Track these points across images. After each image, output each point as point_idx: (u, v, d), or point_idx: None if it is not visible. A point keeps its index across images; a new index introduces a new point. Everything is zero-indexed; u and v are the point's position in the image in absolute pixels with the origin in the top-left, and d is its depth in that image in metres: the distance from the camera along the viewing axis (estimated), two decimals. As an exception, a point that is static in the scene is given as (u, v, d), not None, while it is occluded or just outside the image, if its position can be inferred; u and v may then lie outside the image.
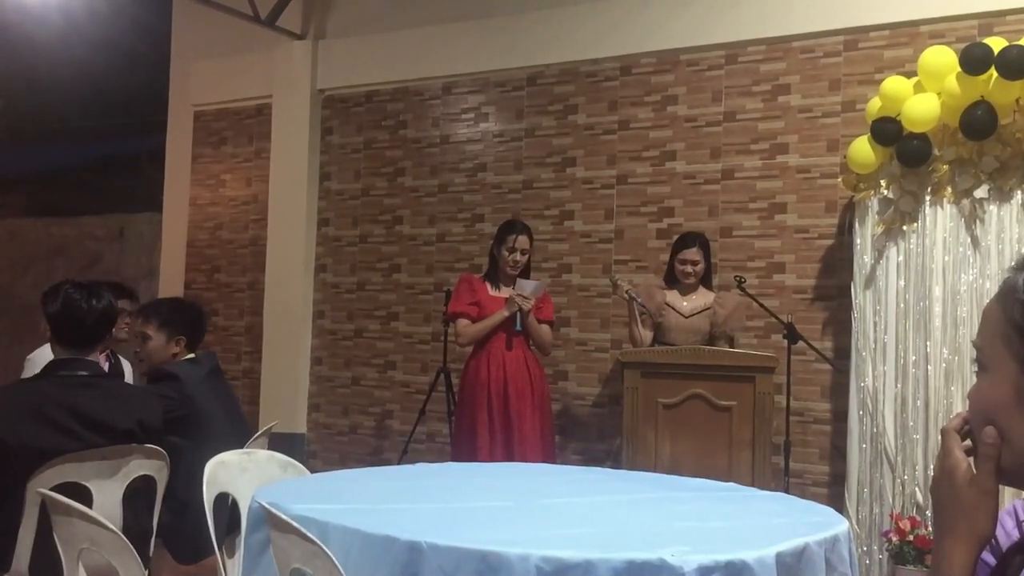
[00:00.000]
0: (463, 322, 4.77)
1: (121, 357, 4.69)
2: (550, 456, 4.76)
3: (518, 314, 4.67)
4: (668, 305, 4.74)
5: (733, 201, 5.29)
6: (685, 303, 4.75)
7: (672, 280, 4.83)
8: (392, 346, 6.31)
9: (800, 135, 5.14)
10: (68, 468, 2.64)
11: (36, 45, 8.20)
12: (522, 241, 4.79)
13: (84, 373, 2.86)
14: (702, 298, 4.75)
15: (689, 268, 4.73)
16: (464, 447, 4.71)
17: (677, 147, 5.46)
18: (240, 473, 2.82)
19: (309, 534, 1.92)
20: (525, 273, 4.86)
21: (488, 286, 4.83)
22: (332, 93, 6.62)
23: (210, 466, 2.71)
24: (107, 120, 10.23)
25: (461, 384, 4.88)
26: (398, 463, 5.35)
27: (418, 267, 6.24)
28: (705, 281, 4.82)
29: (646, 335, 4.71)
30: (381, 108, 6.45)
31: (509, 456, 4.54)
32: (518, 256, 4.78)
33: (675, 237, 4.99)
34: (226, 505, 2.90)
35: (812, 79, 5.13)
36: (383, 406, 6.32)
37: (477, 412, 4.66)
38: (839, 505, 4.33)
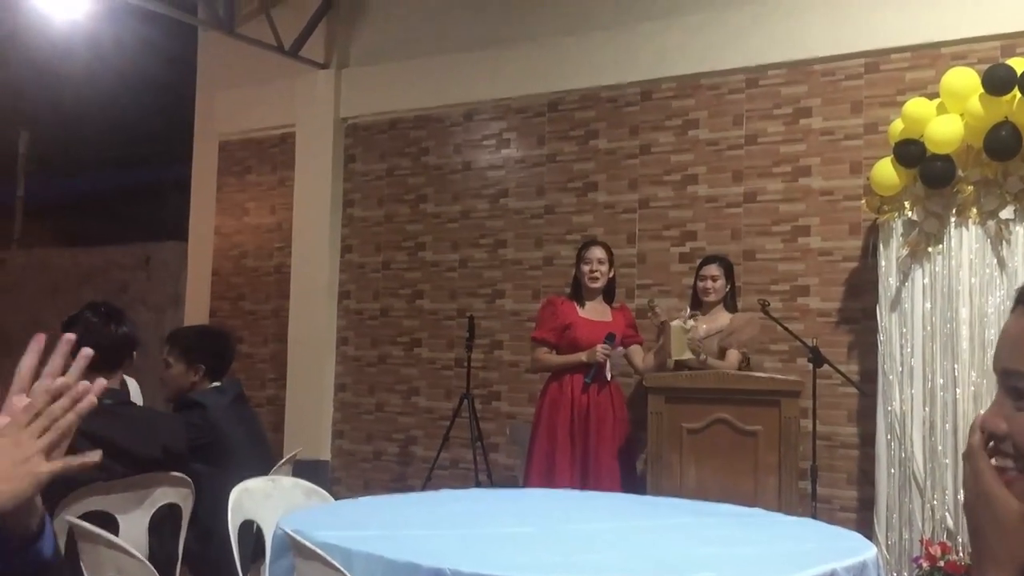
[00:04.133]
0: (543, 350, 4.79)
1: (127, 378, 4.63)
2: (629, 484, 4.69)
3: (593, 368, 4.62)
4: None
5: (756, 224, 5.27)
6: (704, 325, 4.72)
7: (696, 304, 4.82)
8: (416, 372, 6.32)
9: (822, 158, 5.13)
10: (95, 497, 2.65)
11: (63, 76, 8.34)
12: (594, 251, 4.82)
13: (108, 401, 2.87)
14: (720, 320, 4.73)
15: (709, 284, 4.72)
16: (538, 468, 4.67)
17: (699, 171, 5.45)
18: (265, 500, 2.83)
19: (333, 561, 1.92)
20: (610, 290, 4.89)
21: (576, 307, 4.82)
22: (355, 121, 6.68)
23: (235, 493, 2.72)
24: (133, 150, 10.38)
25: (540, 404, 4.83)
26: (422, 489, 5.34)
27: (441, 293, 6.26)
28: (728, 304, 4.80)
29: (648, 365, 4.71)
30: (403, 135, 6.50)
31: (584, 484, 4.49)
32: (594, 266, 4.78)
33: (698, 261, 4.98)
34: (251, 532, 2.91)
35: (834, 102, 5.12)
36: (407, 432, 6.31)
37: (558, 436, 4.63)
38: (868, 531, 4.27)
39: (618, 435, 4.75)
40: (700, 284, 4.77)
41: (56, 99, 9.44)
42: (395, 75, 6.44)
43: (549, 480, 4.51)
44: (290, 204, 6.82)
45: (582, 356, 4.64)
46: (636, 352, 4.84)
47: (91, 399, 1.11)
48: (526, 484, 4.69)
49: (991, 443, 1.01)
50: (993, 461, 1.00)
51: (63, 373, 1.12)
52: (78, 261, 9.00)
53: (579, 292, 4.86)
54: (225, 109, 7.23)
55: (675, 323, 4.54)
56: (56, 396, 1.10)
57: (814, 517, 4.09)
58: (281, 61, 6.54)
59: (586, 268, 4.79)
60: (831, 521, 3.86)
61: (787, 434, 4.17)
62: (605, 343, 4.62)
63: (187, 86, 7.56)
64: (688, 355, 4.53)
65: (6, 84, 9.76)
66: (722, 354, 4.64)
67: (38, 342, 1.13)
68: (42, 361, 1.14)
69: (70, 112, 9.70)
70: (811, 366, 4.55)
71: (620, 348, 4.72)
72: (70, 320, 2.93)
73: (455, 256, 6.22)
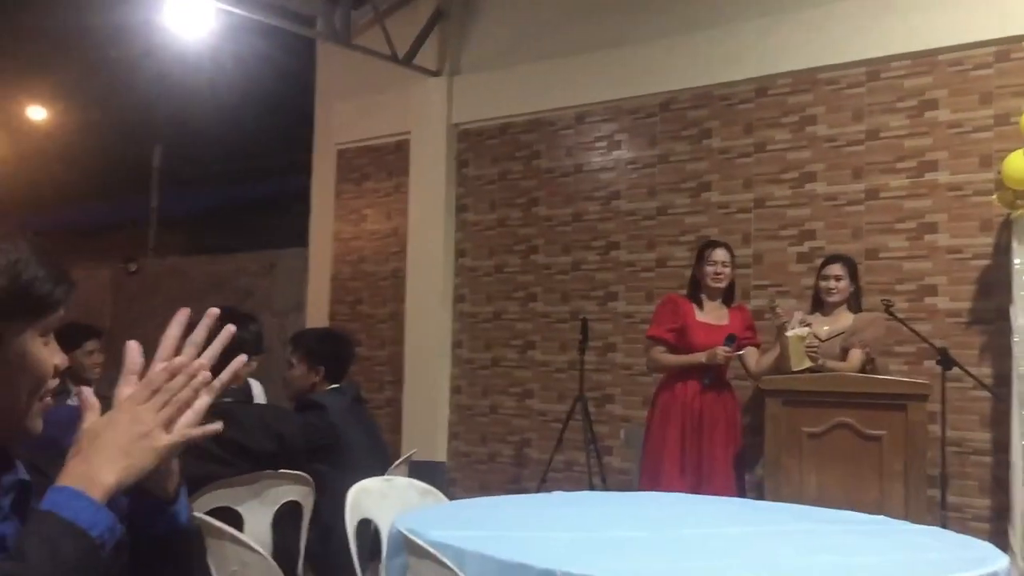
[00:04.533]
0: (659, 349, 4.74)
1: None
2: (733, 492, 4.63)
3: (712, 370, 4.59)
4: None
5: (878, 222, 5.09)
6: (826, 327, 4.58)
7: (818, 305, 4.69)
8: (529, 375, 6.34)
9: (951, 151, 4.91)
10: (221, 493, 2.76)
11: (191, 92, 8.72)
12: (720, 254, 4.74)
13: (227, 400, 2.98)
14: (843, 320, 4.58)
15: (832, 284, 4.58)
16: (651, 472, 4.64)
17: (817, 168, 5.30)
18: (381, 499, 2.88)
19: (446, 560, 1.94)
20: (729, 291, 4.82)
21: (695, 309, 4.76)
22: (467, 127, 6.76)
23: (352, 493, 2.78)
24: (257, 162, 10.78)
25: (653, 407, 4.80)
26: (537, 491, 5.35)
27: (553, 296, 6.27)
28: (852, 305, 4.64)
29: (762, 368, 4.61)
30: (515, 139, 6.54)
31: (697, 488, 4.44)
32: (719, 268, 4.72)
33: (817, 261, 4.84)
34: (368, 531, 2.97)
35: (961, 93, 4.89)
36: (521, 434, 6.35)
37: (668, 438, 4.60)
38: (1002, 542, 4.06)
39: (732, 440, 4.67)
40: (823, 284, 4.63)
41: (185, 114, 9.89)
42: (506, 80, 6.49)
43: (660, 484, 4.45)
44: (405, 210, 6.95)
45: (701, 357, 4.57)
46: (751, 354, 4.73)
47: (206, 374, 1.17)
48: (640, 488, 4.65)
49: None
50: None
51: (205, 347, 1.19)
52: (207, 268, 9.39)
53: (697, 293, 4.79)
54: (342, 119, 7.43)
55: (791, 333, 4.40)
56: (174, 373, 1.16)
57: (943, 526, 3.91)
58: (395, 70, 6.68)
59: (710, 269, 4.72)
60: (962, 531, 3.68)
61: (914, 439, 4.00)
62: (725, 345, 4.54)
63: (306, 98, 7.81)
64: (807, 363, 4.40)
65: (141, 101, 10.28)
66: (844, 355, 4.50)
67: (183, 315, 1.20)
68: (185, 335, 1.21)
69: (198, 127, 10.15)
70: (939, 369, 4.36)
71: (739, 351, 4.63)
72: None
73: (567, 259, 6.22)
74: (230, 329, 1.22)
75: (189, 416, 1.16)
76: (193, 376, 1.17)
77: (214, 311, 1.22)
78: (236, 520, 2.75)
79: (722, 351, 4.53)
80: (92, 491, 1.07)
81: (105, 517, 1.08)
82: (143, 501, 1.21)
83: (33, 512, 1.07)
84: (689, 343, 4.65)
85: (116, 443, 1.11)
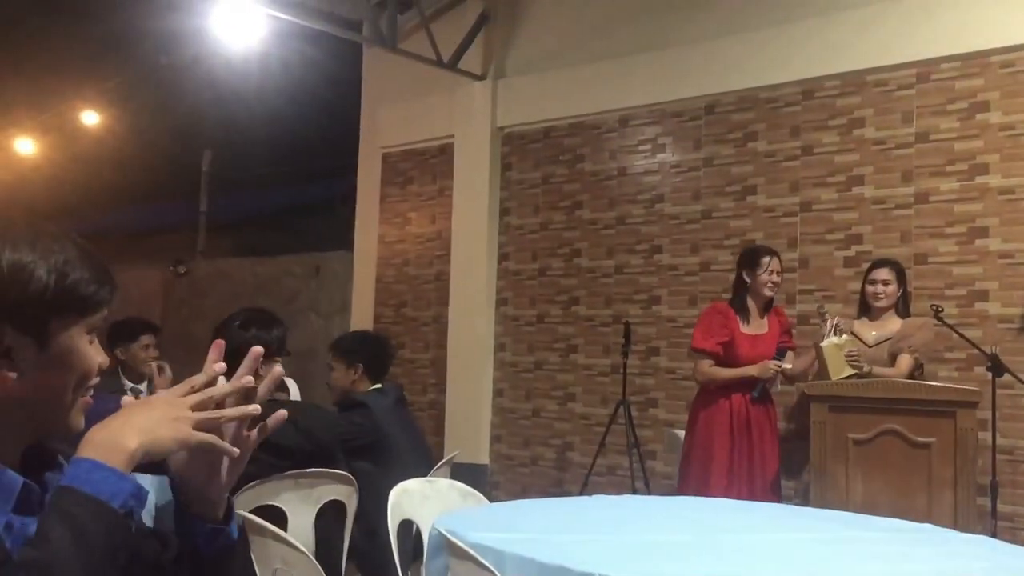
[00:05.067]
0: (707, 362, 4.59)
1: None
2: (778, 500, 4.58)
3: (761, 383, 4.52)
4: (854, 334, 4.52)
5: (928, 226, 5.01)
6: (873, 332, 4.52)
7: (865, 310, 4.62)
8: (572, 378, 6.34)
9: (1002, 154, 4.82)
10: (265, 490, 2.79)
11: (239, 98, 8.85)
12: (776, 262, 4.62)
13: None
14: (891, 326, 4.50)
15: (880, 288, 4.50)
16: (693, 482, 4.56)
17: (865, 171, 5.23)
18: (423, 501, 2.90)
19: (485, 562, 1.95)
20: (769, 299, 4.71)
21: (739, 321, 4.62)
22: (511, 130, 6.78)
23: (394, 494, 2.81)
24: (303, 166, 10.91)
25: (696, 413, 4.70)
26: (579, 495, 5.34)
27: (597, 299, 6.26)
28: (900, 310, 4.57)
29: (795, 371, 4.59)
30: (558, 143, 6.54)
31: (743, 494, 4.37)
32: (776, 276, 4.61)
33: (864, 265, 4.77)
34: (410, 531, 2.99)
35: (1014, 95, 4.80)
36: (563, 438, 6.34)
37: (716, 450, 4.52)
38: (1056, 553, 3.96)
39: (777, 451, 4.61)
40: (870, 288, 4.55)
41: (233, 120, 10.04)
42: (549, 84, 6.50)
43: (707, 492, 4.39)
44: (449, 213, 6.99)
45: (752, 370, 4.49)
46: (788, 359, 4.64)
47: (255, 407, 1.18)
48: (681, 493, 4.61)
49: None
50: None
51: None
52: (254, 271, 9.53)
53: (744, 302, 4.65)
54: (387, 122, 7.49)
55: (825, 343, 4.34)
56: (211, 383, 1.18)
57: (994, 536, 3.83)
58: (440, 74, 6.72)
59: (766, 278, 4.57)
60: (1014, 541, 3.60)
61: (963, 447, 3.93)
62: (776, 358, 4.49)
63: (351, 102, 7.89)
64: (847, 372, 4.33)
65: (191, 106, 10.46)
66: (893, 360, 4.42)
67: (218, 348, 1.22)
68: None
69: (246, 131, 10.29)
70: (990, 375, 4.28)
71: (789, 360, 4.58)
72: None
73: (611, 262, 6.21)
74: (256, 352, 1.23)
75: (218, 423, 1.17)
76: (237, 389, 1.18)
77: (220, 343, 1.22)
78: (280, 517, 2.78)
79: (773, 364, 4.47)
80: (113, 458, 1.06)
81: (128, 484, 1.05)
82: (196, 524, 1.22)
83: (55, 490, 1.05)
84: (735, 355, 4.56)
85: (145, 415, 1.11)
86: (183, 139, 11.65)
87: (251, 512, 2.59)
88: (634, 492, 5.21)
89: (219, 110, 9.96)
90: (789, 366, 4.55)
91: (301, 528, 2.84)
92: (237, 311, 2.97)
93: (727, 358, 4.57)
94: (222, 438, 1.17)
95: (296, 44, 7.17)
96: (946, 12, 4.95)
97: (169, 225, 13.06)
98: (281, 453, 2.91)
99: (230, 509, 1.26)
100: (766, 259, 4.60)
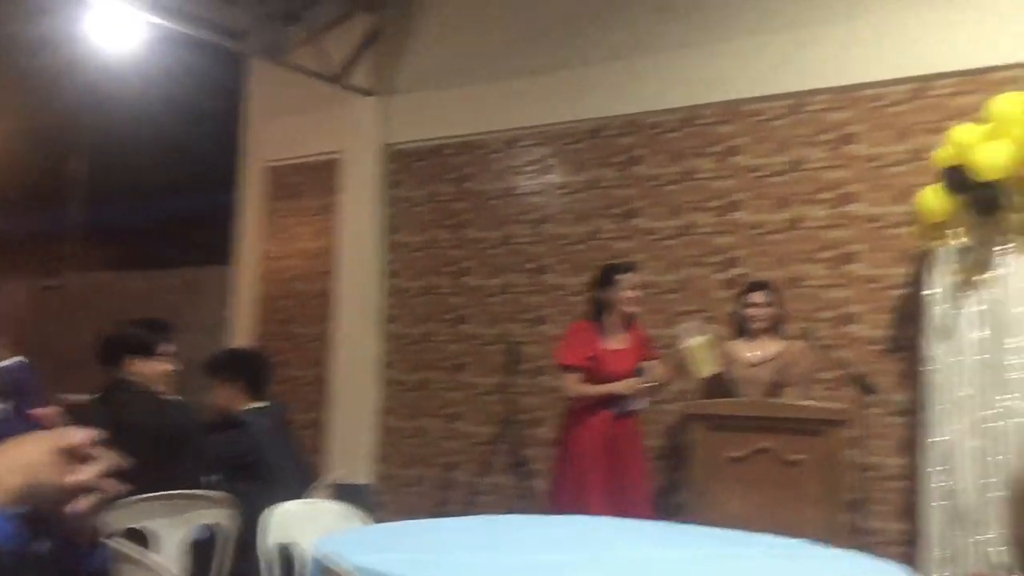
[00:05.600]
0: (574, 378, 4.64)
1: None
2: (653, 515, 4.66)
3: (626, 399, 4.58)
4: (733, 356, 4.67)
5: (800, 251, 5.22)
6: (750, 353, 4.67)
7: (741, 330, 4.77)
8: (458, 396, 6.32)
9: (868, 184, 5.07)
10: (133, 512, 2.68)
11: (116, 106, 8.54)
12: (635, 278, 4.71)
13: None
14: (770, 346, 4.67)
15: (756, 311, 4.66)
16: (569, 500, 4.56)
17: (741, 197, 5.42)
18: (304, 522, 2.84)
19: (368, 585, 1.92)
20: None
21: (600, 337, 4.68)
22: (399, 147, 6.75)
23: (274, 515, 2.74)
24: (183, 178, 10.58)
25: (566, 431, 4.73)
26: (463, 515, 5.32)
27: (483, 318, 6.27)
28: (775, 330, 4.74)
29: (664, 379, 4.68)
30: (446, 161, 6.55)
31: (619, 513, 4.41)
32: (633, 293, 4.68)
33: (741, 287, 4.94)
34: (290, 554, 2.92)
35: (880, 128, 5.06)
36: (449, 457, 6.31)
37: (588, 467, 4.55)
38: (916, 565, 4.17)
39: (646, 465, 4.71)
40: (748, 311, 4.71)
41: (110, 128, 9.67)
42: (439, 102, 6.50)
43: (581, 509, 4.44)
44: (336, 229, 6.89)
45: (619, 387, 4.57)
46: (650, 372, 4.71)
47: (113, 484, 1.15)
48: (554, 511, 4.63)
49: None
50: None
51: None
52: (129, 285, 9.18)
53: (602, 319, 4.71)
54: (274, 135, 7.35)
55: (693, 341, 4.47)
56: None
57: (860, 550, 4.00)
58: (328, 88, 6.65)
59: (625, 295, 4.67)
60: (878, 555, 3.77)
61: (832, 464, 4.10)
62: (639, 374, 4.58)
63: (236, 114, 7.71)
64: (715, 368, 4.49)
65: (64, 114, 10.03)
66: (776, 388, 4.58)
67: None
68: None
69: (123, 141, 9.93)
70: (859, 395, 4.48)
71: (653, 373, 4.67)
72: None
73: (497, 281, 6.24)
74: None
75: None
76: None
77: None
78: (146, 541, 2.68)
79: (639, 381, 4.57)
80: None
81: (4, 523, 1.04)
82: (69, 549, 1.20)
83: None
84: (601, 371, 4.62)
85: (27, 451, 1.09)
86: (55, 147, 11.14)
87: (116, 536, 2.49)
88: (519, 511, 5.22)
89: (95, 118, 9.58)
90: (654, 381, 4.63)
91: (173, 552, 2.74)
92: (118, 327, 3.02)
93: (593, 374, 4.63)
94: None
95: (179, 52, 6.97)
96: (818, 47, 5.19)
97: (39, 236, 12.46)
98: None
99: (96, 536, 1.23)
100: (620, 276, 4.70)
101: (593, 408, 4.62)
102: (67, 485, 1.11)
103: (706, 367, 4.50)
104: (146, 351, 3.39)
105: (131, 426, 3.06)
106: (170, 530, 2.76)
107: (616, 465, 4.57)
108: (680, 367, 4.58)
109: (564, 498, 4.61)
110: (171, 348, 3.48)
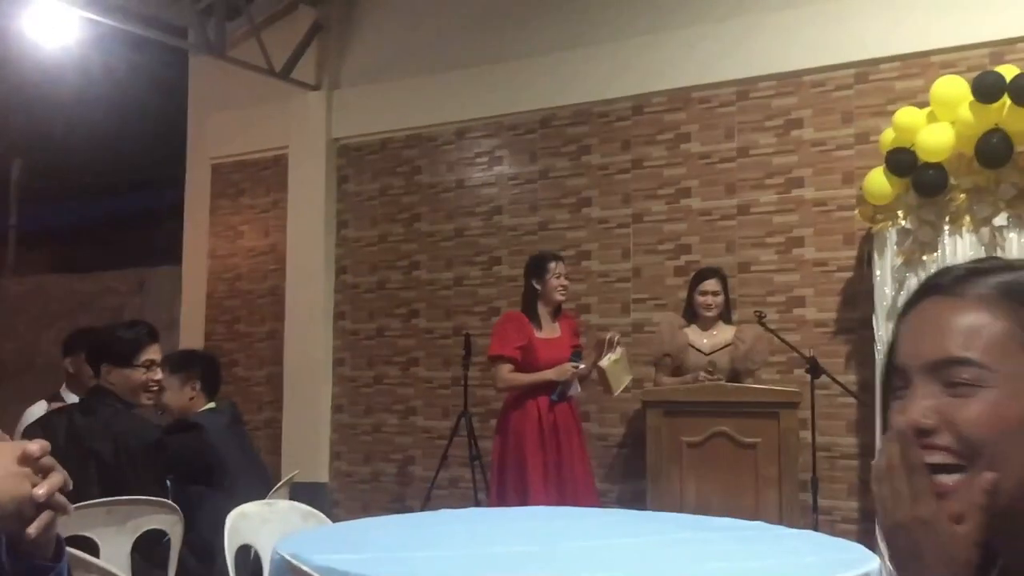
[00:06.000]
0: (507, 367, 4.64)
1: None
2: (596, 498, 4.70)
3: (560, 386, 4.59)
4: (689, 344, 4.70)
5: (750, 236, 5.27)
6: (705, 340, 4.72)
7: (692, 316, 4.81)
8: (413, 391, 6.29)
9: (815, 168, 5.14)
10: (75, 520, 2.61)
11: (54, 104, 8.33)
12: (562, 267, 4.74)
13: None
14: (723, 334, 4.73)
15: (710, 299, 4.71)
16: (512, 488, 4.58)
17: (692, 184, 5.46)
18: (261, 524, 2.80)
19: (331, 585, 1.89)
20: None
21: (533, 327, 4.70)
22: (347, 142, 6.68)
23: (231, 518, 2.70)
24: (126, 176, 10.36)
25: (504, 422, 4.73)
26: (421, 510, 5.30)
27: (437, 312, 6.25)
28: (725, 316, 4.79)
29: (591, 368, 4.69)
30: (396, 155, 6.50)
31: (562, 498, 4.44)
32: (563, 281, 4.72)
33: (693, 274, 4.97)
34: (249, 556, 2.88)
35: (824, 112, 5.13)
36: (405, 452, 6.28)
37: (528, 453, 4.56)
38: (870, 542, 4.24)
39: (585, 450, 4.74)
40: (700, 299, 4.74)
41: (47, 127, 9.43)
42: (386, 95, 6.45)
43: (524, 497, 4.46)
44: (284, 226, 6.81)
45: (551, 374, 4.59)
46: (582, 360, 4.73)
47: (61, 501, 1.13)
48: (496, 502, 4.64)
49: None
50: (927, 459, 0.89)
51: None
52: (73, 288, 8.99)
53: (534, 308, 4.74)
54: (217, 132, 7.23)
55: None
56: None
57: (815, 529, 4.07)
58: (272, 83, 6.55)
59: (556, 282, 4.70)
60: (833, 533, 3.84)
61: (787, 446, 4.16)
62: (572, 360, 4.60)
63: (178, 110, 7.57)
64: (626, 381, 4.64)
65: (-1, 112, 9.75)
66: (735, 373, 4.63)
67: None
68: None
69: (62, 139, 9.69)
70: (809, 377, 4.54)
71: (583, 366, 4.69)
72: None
73: (450, 274, 6.21)
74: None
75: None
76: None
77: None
78: (92, 549, 2.62)
79: (571, 366, 4.59)
80: None
81: None
82: (28, 564, 1.16)
83: None
84: (533, 360, 4.63)
85: None
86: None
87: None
88: (477, 504, 5.22)
89: (31, 117, 9.33)
90: (584, 367, 4.65)
91: (116, 560, 2.67)
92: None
93: (525, 364, 4.63)
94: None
95: (118, 49, 6.82)
96: (763, 34, 5.24)
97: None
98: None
99: (60, 547, 1.19)
100: (551, 264, 4.73)
101: (530, 394, 4.63)
102: (33, 498, 1.08)
103: (619, 384, 4.61)
104: (122, 360, 3.16)
105: (93, 439, 2.99)
106: (112, 538, 2.70)
107: (556, 450, 4.59)
108: (598, 383, 4.63)
109: (506, 486, 4.63)
110: (153, 356, 3.22)
